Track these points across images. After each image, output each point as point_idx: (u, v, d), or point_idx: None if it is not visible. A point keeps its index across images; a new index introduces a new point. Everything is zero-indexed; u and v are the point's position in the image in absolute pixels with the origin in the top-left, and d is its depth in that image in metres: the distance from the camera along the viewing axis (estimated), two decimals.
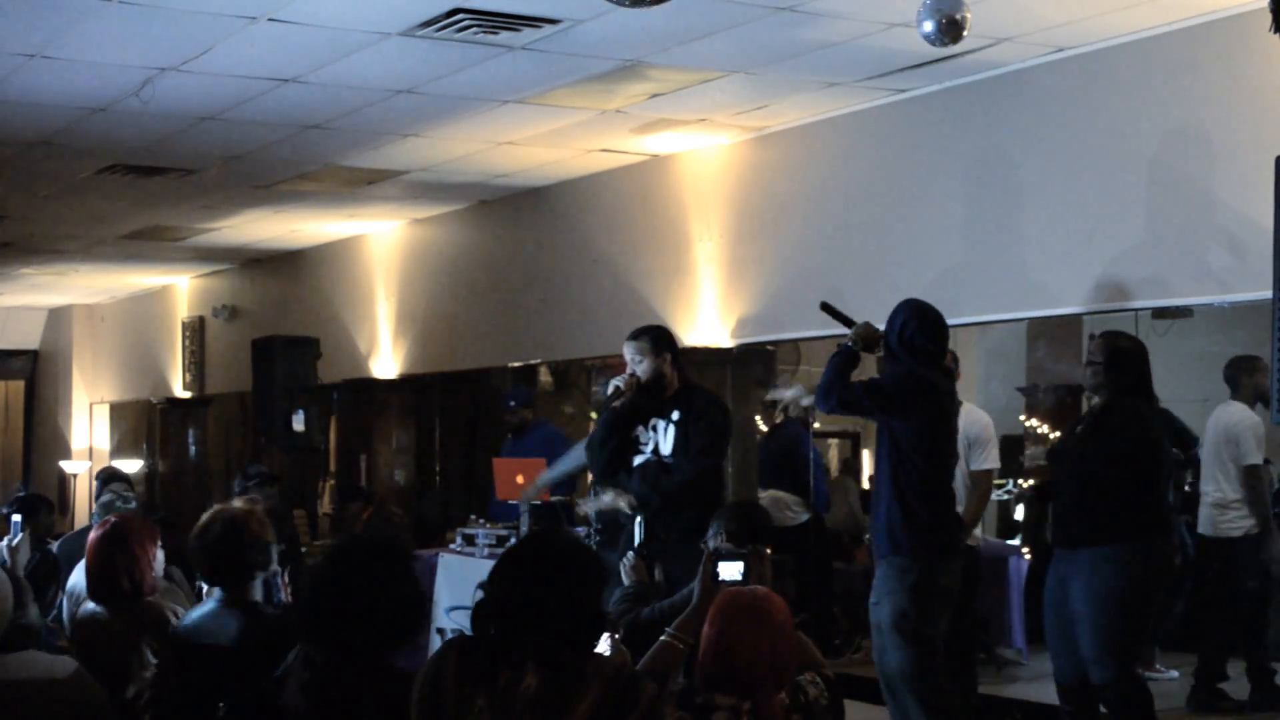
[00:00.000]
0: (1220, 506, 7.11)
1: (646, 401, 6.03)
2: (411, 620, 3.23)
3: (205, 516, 4.18)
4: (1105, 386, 5.53)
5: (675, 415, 5.99)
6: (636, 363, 6.04)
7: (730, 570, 3.75)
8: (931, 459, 5.42)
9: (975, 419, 6.78)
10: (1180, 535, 7.31)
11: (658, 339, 6.11)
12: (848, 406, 5.53)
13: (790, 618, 3.40)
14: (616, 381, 6.05)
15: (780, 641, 3.29)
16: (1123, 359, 5.52)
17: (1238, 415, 7.12)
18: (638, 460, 6.01)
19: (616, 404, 6.02)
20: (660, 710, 2.85)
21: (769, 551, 3.90)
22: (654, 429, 6.03)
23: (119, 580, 4.42)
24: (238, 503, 4.37)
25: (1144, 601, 5.44)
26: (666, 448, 5.99)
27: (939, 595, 5.41)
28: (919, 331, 5.47)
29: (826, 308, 5.77)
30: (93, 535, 4.53)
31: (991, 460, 6.77)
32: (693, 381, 6.27)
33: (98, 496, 8.04)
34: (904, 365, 5.46)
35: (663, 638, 3.70)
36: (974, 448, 6.66)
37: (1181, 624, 7.86)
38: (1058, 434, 7.98)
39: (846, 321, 5.68)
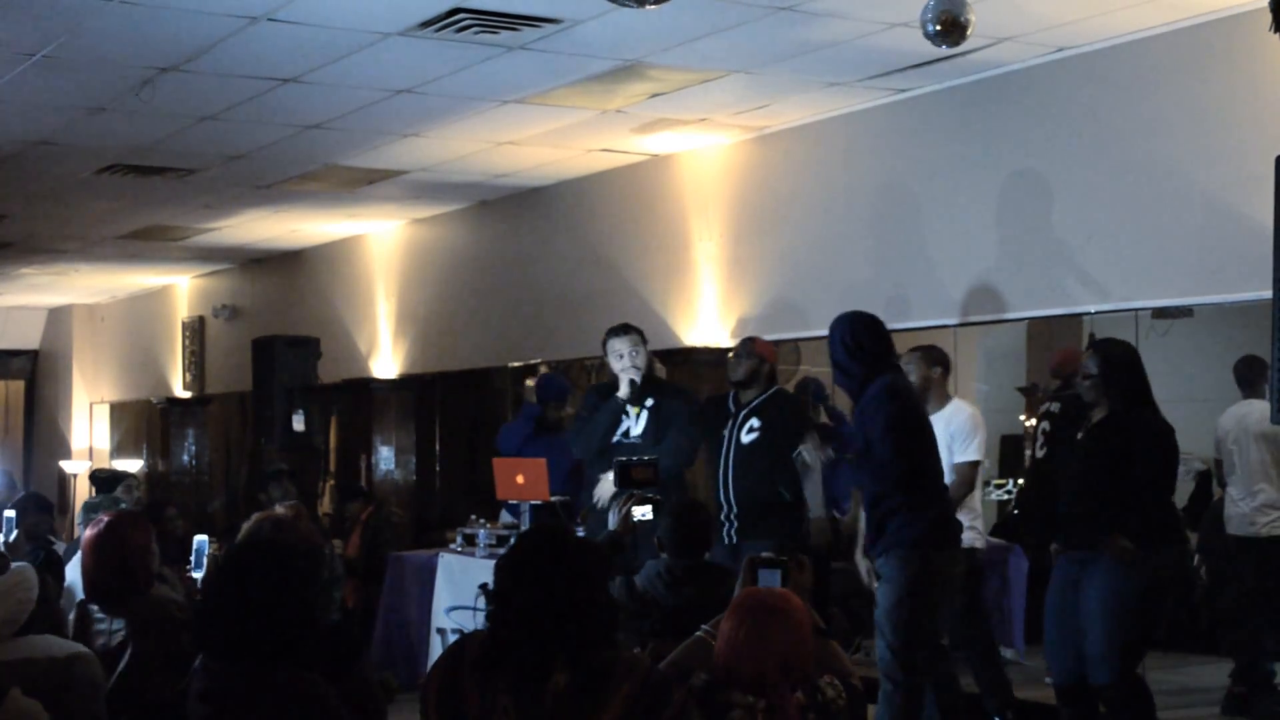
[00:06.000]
0: (1271, 507, 6.97)
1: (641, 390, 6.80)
2: (302, 632, 3.16)
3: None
4: (1106, 398, 5.54)
5: (649, 402, 6.79)
6: (634, 355, 6.80)
7: (769, 578, 3.79)
8: (912, 458, 5.53)
9: (959, 410, 6.70)
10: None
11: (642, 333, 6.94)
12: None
13: (809, 618, 3.42)
14: (634, 377, 6.75)
15: (796, 642, 3.31)
16: (1118, 369, 5.54)
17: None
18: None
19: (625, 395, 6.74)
20: (690, 712, 2.85)
21: (805, 559, 3.94)
22: (626, 414, 6.79)
23: (115, 579, 4.33)
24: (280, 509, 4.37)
25: (1155, 606, 5.48)
26: (637, 430, 6.76)
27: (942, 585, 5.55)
28: (868, 337, 5.62)
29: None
30: (87, 534, 4.43)
31: (973, 453, 6.66)
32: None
33: (97, 496, 7.98)
34: (864, 374, 5.56)
35: (698, 633, 3.73)
36: (956, 440, 6.59)
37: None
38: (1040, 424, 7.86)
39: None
